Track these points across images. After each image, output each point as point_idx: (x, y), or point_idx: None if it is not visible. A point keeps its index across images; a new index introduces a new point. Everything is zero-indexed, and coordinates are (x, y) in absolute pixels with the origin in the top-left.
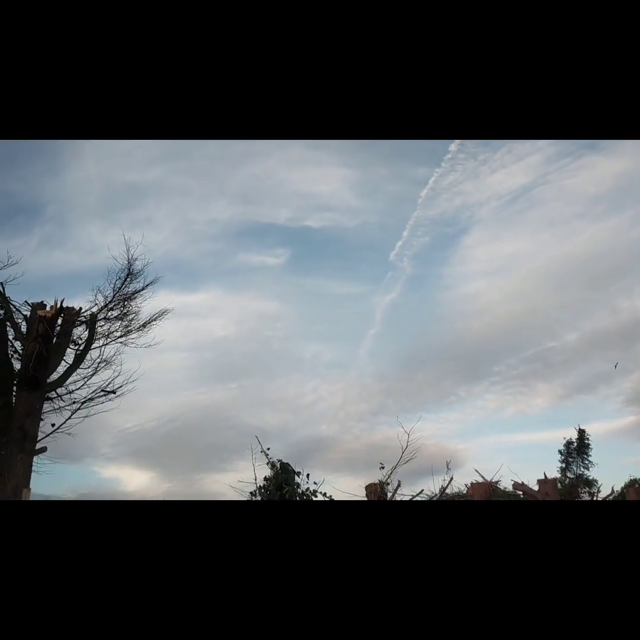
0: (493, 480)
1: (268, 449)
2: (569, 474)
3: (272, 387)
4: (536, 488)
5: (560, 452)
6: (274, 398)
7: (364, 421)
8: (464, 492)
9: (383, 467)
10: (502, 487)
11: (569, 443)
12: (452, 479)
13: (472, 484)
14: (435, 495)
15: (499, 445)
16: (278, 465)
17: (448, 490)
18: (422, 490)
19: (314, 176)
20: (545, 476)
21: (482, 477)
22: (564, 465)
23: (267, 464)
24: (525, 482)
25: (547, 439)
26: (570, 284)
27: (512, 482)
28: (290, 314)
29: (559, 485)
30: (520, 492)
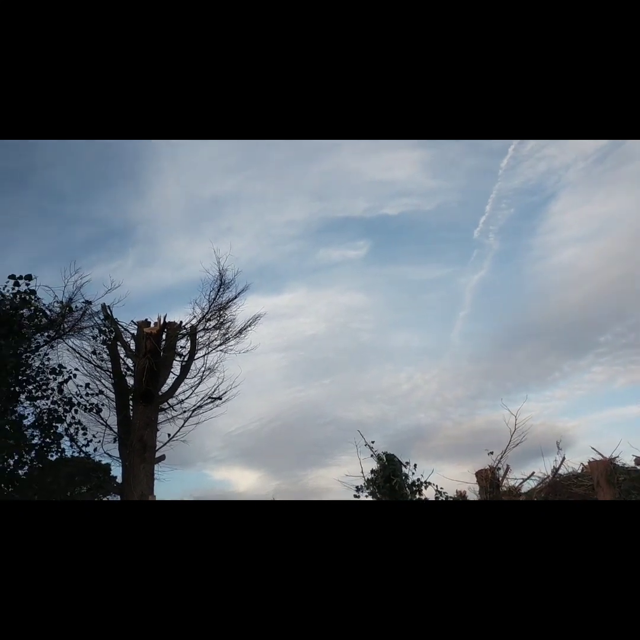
0: (612, 457)
1: (372, 442)
2: None
3: (365, 379)
4: None
5: None
6: (369, 390)
7: (463, 406)
8: (579, 471)
9: (492, 453)
10: (621, 463)
11: None
12: (564, 458)
13: (590, 462)
14: (548, 477)
15: (613, 420)
16: (384, 457)
17: (561, 471)
18: (533, 472)
19: (387, 162)
20: None
21: (600, 454)
22: None
23: (372, 456)
24: None
25: None
26: None
27: (634, 457)
28: (377, 305)
29: None
30: None
